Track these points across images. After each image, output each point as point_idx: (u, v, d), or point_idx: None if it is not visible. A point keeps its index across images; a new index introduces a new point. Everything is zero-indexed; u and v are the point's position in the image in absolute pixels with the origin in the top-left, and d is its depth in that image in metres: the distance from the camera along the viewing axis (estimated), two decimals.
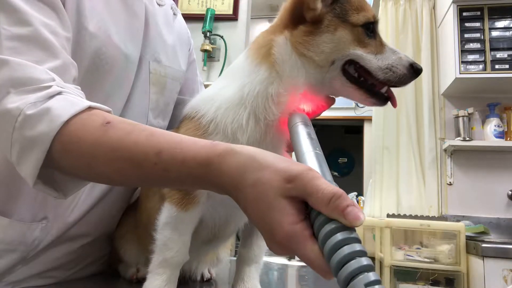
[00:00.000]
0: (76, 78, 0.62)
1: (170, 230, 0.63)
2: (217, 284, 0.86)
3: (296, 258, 1.33)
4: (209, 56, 2.31)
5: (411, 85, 2.72)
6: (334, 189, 0.39)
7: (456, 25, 2.37)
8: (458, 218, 2.43)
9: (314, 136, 0.53)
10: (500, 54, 2.30)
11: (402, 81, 0.62)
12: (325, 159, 0.47)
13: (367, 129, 3.88)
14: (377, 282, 0.35)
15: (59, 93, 0.53)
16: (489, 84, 2.39)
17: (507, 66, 2.27)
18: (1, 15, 0.56)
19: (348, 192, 3.17)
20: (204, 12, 2.33)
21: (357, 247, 0.36)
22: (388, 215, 2.38)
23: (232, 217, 0.71)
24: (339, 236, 0.37)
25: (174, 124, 0.89)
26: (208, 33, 2.29)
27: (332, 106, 0.67)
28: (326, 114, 0.78)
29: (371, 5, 3.03)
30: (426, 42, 2.73)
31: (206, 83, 1.10)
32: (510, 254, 1.89)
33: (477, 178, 2.52)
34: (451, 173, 2.57)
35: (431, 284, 2.11)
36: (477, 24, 2.36)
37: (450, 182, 2.56)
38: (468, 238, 2.11)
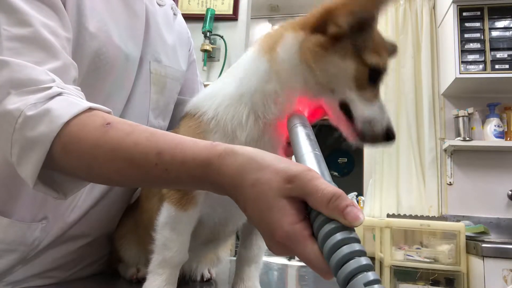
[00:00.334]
0: (77, 79, 0.62)
1: (169, 230, 0.63)
2: (217, 284, 0.86)
3: (296, 258, 1.33)
4: (209, 56, 2.31)
5: (411, 85, 2.73)
6: (334, 189, 0.39)
7: (456, 25, 2.37)
8: (458, 218, 2.43)
9: (313, 137, 0.53)
10: (500, 54, 2.30)
11: (372, 140, 0.59)
12: (324, 160, 0.47)
13: None
14: (377, 281, 0.35)
15: (59, 94, 0.53)
16: (489, 84, 2.39)
17: (507, 66, 2.27)
18: (1, 15, 0.56)
19: (348, 192, 3.15)
20: (204, 12, 2.33)
21: (356, 246, 0.37)
22: (388, 215, 2.38)
23: (231, 217, 0.70)
24: (339, 236, 0.37)
25: (174, 124, 0.89)
26: (208, 33, 2.29)
27: None
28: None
29: None
30: (426, 42, 2.73)
31: (206, 83, 1.10)
32: (510, 254, 1.89)
33: (477, 178, 2.52)
34: (451, 173, 2.57)
35: (431, 284, 2.11)
36: (477, 24, 2.36)
37: (450, 182, 2.56)
38: (468, 238, 2.11)
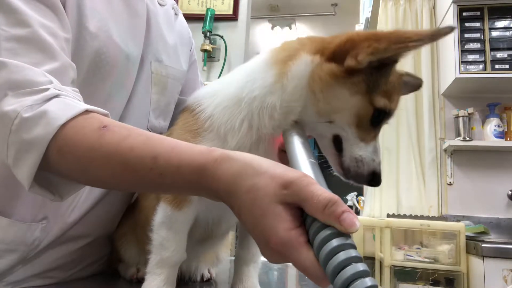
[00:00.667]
0: (75, 80, 0.62)
1: (165, 229, 0.63)
2: (217, 284, 0.86)
3: None
4: (209, 56, 2.31)
5: None
6: (330, 195, 0.39)
7: (456, 25, 2.37)
8: (458, 218, 2.43)
9: (309, 145, 0.53)
10: (500, 54, 2.30)
11: (356, 178, 0.57)
12: (319, 168, 0.47)
13: None
14: (375, 287, 0.35)
15: (56, 96, 0.52)
16: (489, 84, 2.39)
17: (507, 66, 2.27)
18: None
19: (348, 192, 3.14)
20: (204, 12, 2.33)
21: (353, 253, 0.36)
22: (388, 215, 2.38)
23: (224, 215, 0.70)
24: (335, 242, 0.37)
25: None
26: (208, 33, 2.29)
27: None
28: None
29: (371, 5, 3.05)
30: None
31: (206, 83, 1.10)
32: (510, 254, 1.89)
33: (477, 178, 2.52)
34: (451, 173, 2.57)
35: (431, 284, 2.11)
36: (477, 24, 2.36)
37: (450, 182, 2.56)
38: (468, 238, 2.11)
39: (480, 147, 2.47)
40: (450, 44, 2.42)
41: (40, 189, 0.53)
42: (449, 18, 2.45)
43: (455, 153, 2.58)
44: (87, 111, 0.53)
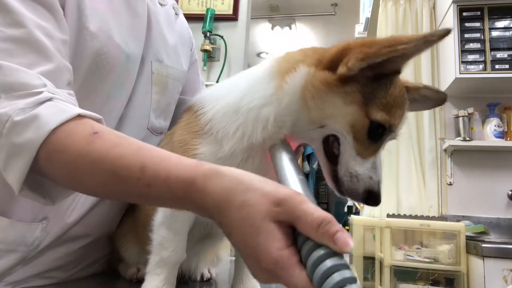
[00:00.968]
0: (71, 82, 0.61)
1: (165, 229, 0.63)
2: (217, 284, 0.86)
3: None
4: (209, 56, 2.31)
5: None
6: (324, 214, 0.38)
7: (456, 25, 2.37)
8: (458, 218, 2.43)
9: (297, 162, 0.53)
10: (500, 54, 2.30)
11: (350, 194, 0.55)
12: (308, 185, 0.47)
13: None
14: None
15: (49, 100, 0.52)
16: (489, 84, 2.39)
17: (507, 66, 2.27)
18: None
19: None
20: (204, 12, 2.33)
21: (347, 273, 0.36)
22: (388, 215, 2.38)
23: None
24: (329, 262, 0.36)
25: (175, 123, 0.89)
26: (208, 33, 2.28)
27: None
28: None
29: (371, 5, 3.05)
30: None
31: (206, 83, 1.10)
32: (510, 254, 1.89)
33: (477, 178, 2.52)
34: (451, 173, 2.57)
35: (431, 284, 2.11)
36: (477, 24, 2.36)
37: (450, 182, 2.56)
38: (468, 238, 2.11)
39: (480, 147, 2.47)
40: (450, 44, 2.42)
41: (31, 192, 0.52)
42: (449, 18, 2.45)
43: (455, 153, 2.58)
44: (79, 116, 0.52)
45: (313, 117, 0.56)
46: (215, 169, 0.44)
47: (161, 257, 0.63)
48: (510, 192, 2.44)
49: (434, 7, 2.81)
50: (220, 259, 0.87)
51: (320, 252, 0.37)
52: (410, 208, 2.53)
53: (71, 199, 0.72)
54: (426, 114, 2.63)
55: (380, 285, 2.18)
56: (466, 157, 2.55)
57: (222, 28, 2.37)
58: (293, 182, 0.47)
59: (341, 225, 0.38)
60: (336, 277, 0.36)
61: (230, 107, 0.61)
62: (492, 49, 2.31)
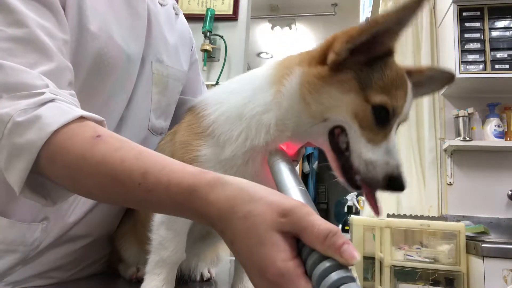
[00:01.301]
0: (73, 82, 0.61)
1: (165, 229, 0.63)
2: (217, 284, 0.86)
3: None
4: (209, 56, 2.31)
5: None
6: (330, 226, 0.38)
7: (456, 25, 2.37)
8: (458, 218, 2.43)
9: (296, 172, 0.52)
10: (500, 54, 2.30)
11: (370, 184, 0.53)
12: (309, 196, 0.47)
13: None
14: None
15: (51, 100, 0.52)
16: (489, 84, 2.39)
17: (507, 66, 2.27)
18: None
19: (348, 192, 3.12)
20: (204, 12, 2.33)
21: (353, 286, 0.36)
22: (388, 215, 2.38)
23: None
24: (335, 275, 0.36)
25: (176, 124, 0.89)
26: (208, 33, 2.29)
27: None
28: None
29: (371, 5, 3.05)
30: (426, 42, 2.72)
31: (206, 83, 1.10)
32: (510, 254, 1.89)
33: (477, 178, 2.52)
34: (451, 173, 2.57)
35: (431, 284, 2.11)
36: (477, 24, 2.36)
37: (450, 182, 2.56)
38: (468, 238, 2.11)
39: (480, 147, 2.46)
40: (450, 44, 2.42)
41: (32, 193, 0.52)
42: (449, 18, 2.45)
43: (455, 153, 2.58)
44: (81, 118, 0.52)
45: (314, 112, 0.56)
46: (219, 178, 0.44)
47: (160, 257, 0.63)
48: (510, 192, 2.44)
49: (434, 7, 2.81)
50: (220, 259, 0.87)
51: (326, 264, 0.37)
52: (410, 208, 2.53)
53: (72, 199, 0.72)
54: (426, 114, 2.63)
55: (380, 285, 2.18)
56: (466, 157, 2.55)
57: (222, 28, 2.37)
58: (294, 193, 0.47)
59: (347, 239, 0.38)
60: None
61: (233, 111, 0.62)
62: (492, 49, 2.31)
